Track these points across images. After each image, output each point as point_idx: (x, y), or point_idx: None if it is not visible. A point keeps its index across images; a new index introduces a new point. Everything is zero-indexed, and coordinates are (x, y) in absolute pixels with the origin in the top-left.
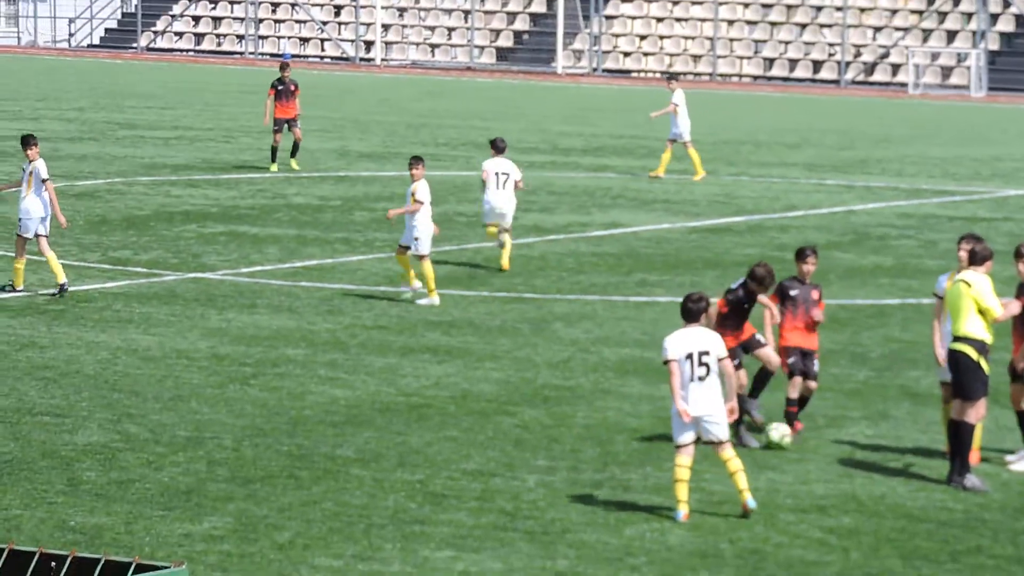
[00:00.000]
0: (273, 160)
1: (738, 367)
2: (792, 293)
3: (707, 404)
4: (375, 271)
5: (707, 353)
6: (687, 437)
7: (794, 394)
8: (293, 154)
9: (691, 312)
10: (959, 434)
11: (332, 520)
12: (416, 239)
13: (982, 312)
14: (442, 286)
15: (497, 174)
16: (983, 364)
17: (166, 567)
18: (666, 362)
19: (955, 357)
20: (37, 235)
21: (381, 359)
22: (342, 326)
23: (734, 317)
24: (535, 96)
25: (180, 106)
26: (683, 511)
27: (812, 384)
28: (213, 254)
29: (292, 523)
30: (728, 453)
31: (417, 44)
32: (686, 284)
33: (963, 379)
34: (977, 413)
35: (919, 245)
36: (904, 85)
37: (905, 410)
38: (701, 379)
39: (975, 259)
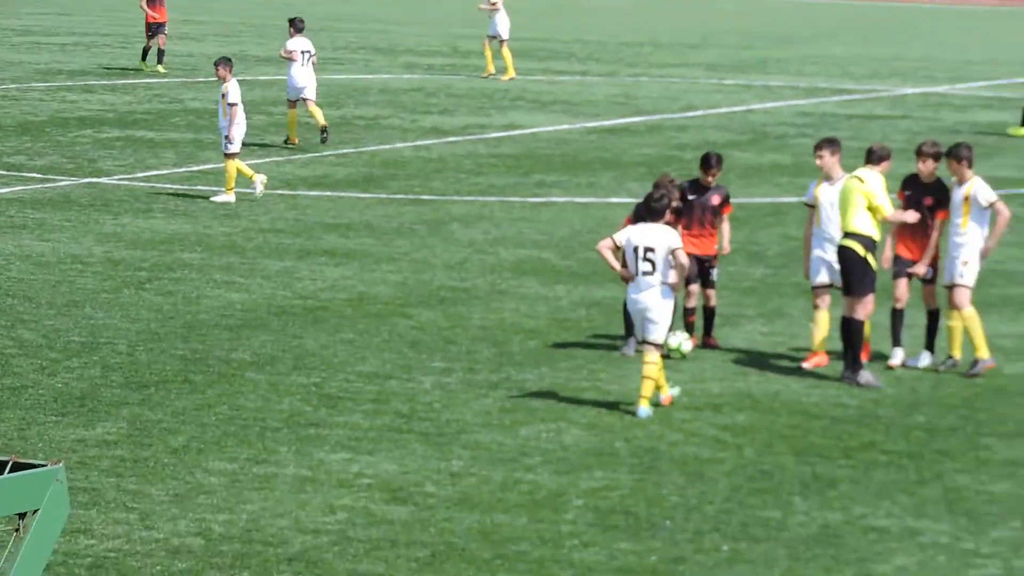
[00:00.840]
0: (143, 59)
1: None
2: (689, 197)
3: (646, 298)
4: (271, 174)
5: (652, 250)
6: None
7: (691, 303)
8: (159, 60)
9: (652, 211)
10: (850, 330)
11: (226, 424)
12: (227, 139)
13: (871, 209)
14: (340, 188)
15: (303, 52)
16: (871, 260)
17: (43, 465)
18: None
19: (843, 253)
20: None
21: (277, 262)
22: (238, 230)
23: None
24: None
25: (77, 12)
26: (643, 408)
27: (710, 292)
28: (109, 159)
29: (186, 427)
30: (650, 357)
31: None
32: (583, 184)
33: (851, 275)
34: (865, 309)
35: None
36: None
37: (800, 308)
38: (645, 274)
39: (871, 158)
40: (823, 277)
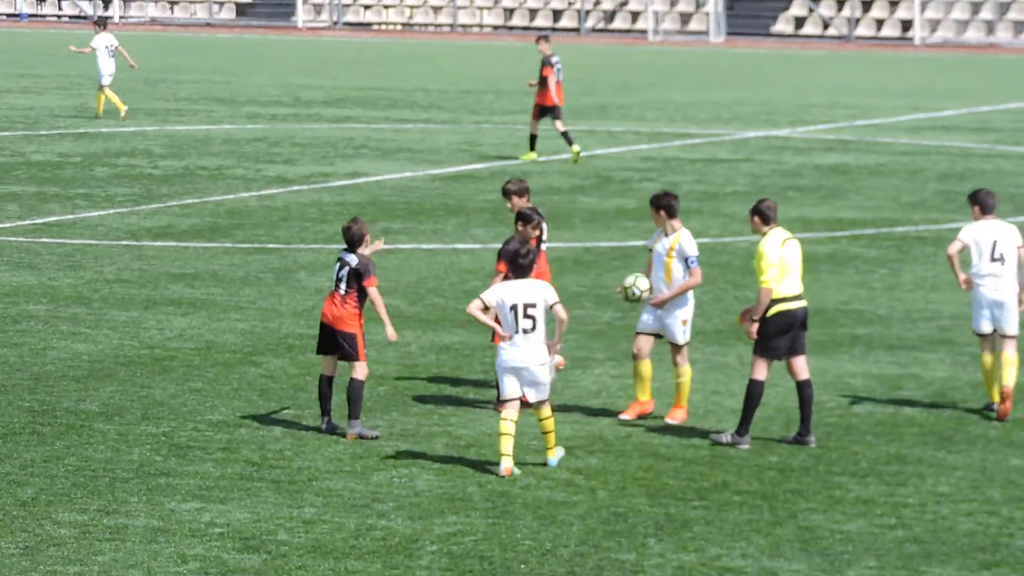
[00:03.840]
0: None
1: None
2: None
3: (531, 357)
4: (116, 226)
5: (533, 306)
6: (512, 391)
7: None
8: None
9: (522, 268)
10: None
11: (76, 475)
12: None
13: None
14: (184, 239)
15: (107, 47)
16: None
17: None
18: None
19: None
20: None
21: (124, 312)
22: (84, 281)
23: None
24: (276, 50)
25: None
26: (505, 464)
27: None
28: None
29: (35, 479)
30: (544, 412)
31: (156, 1)
32: (428, 231)
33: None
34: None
35: (661, 187)
36: (644, 32)
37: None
38: (526, 332)
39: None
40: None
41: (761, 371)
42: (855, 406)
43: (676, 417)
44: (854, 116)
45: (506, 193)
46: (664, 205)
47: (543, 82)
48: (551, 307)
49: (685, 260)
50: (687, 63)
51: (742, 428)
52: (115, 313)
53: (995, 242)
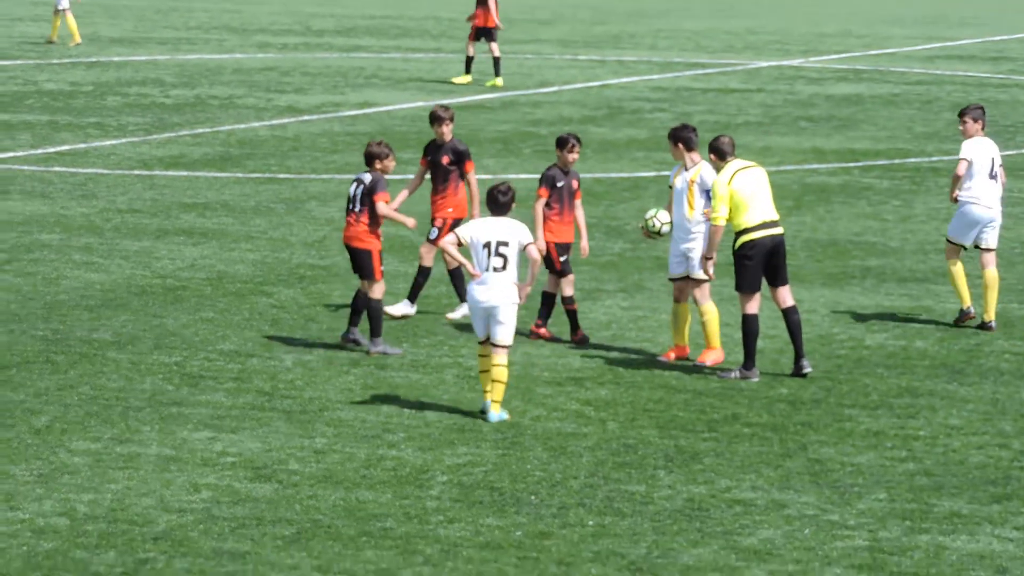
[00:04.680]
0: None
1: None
2: (559, 184)
3: (500, 296)
4: (128, 155)
5: (505, 244)
6: (479, 330)
7: (571, 291)
8: None
9: (500, 205)
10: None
11: (89, 404)
12: None
13: None
14: (196, 169)
15: None
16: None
17: None
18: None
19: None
20: None
21: (136, 242)
22: (96, 210)
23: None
24: None
25: None
26: (489, 401)
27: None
28: None
29: (49, 407)
30: (500, 359)
31: None
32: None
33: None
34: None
35: (672, 118)
36: None
37: (660, 281)
38: (496, 270)
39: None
40: None
41: (750, 305)
42: (866, 338)
43: (709, 358)
44: (868, 45)
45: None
46: (682, 138)
47: (483, 3)
48: (524, 248)
49: (707, 192)
50: None
51: (748, 362)
52: (127, 243)
53: (992, 159)
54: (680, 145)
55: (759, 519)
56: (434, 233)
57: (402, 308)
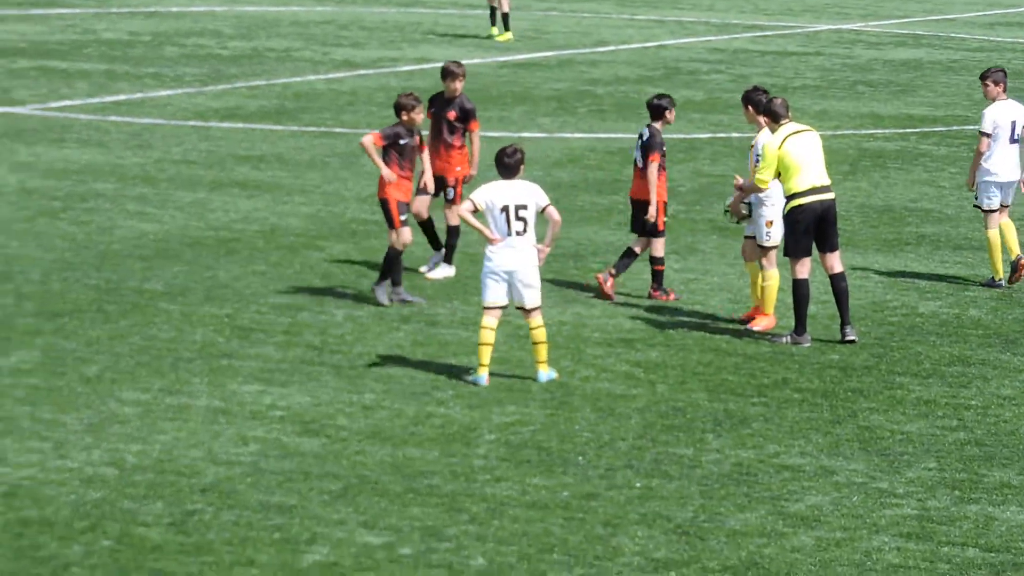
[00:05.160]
0: None
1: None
2: (664, 147)
3: (524, 260)
4: (184, 106)
5: (524, 207)
6: (497, 298)
7: (662, 252)
8: None
9: (508, 167)
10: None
11: (140, 354)
12: None
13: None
14: (252, 120)
15: None
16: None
17: None
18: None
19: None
20: None
21: (190, 194)
22: (151, 160)
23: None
24: None
25: None
26: (484, 375)
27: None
28: (22, 89)
29: (100, 357)
30: (537, 321)
31: None
32: (494, 119)
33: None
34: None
35: (730, 79)
36: None
37: (713, 244)
38: (519, 234)
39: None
40: None
41: (799, 270)
42: (919, 306)
43: (759, 324)
44: (928, 11)
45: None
46: (752, 100)
47: None
48: (543, 209)
49: (758, 156)
50: None
51: (799, 327)
52: (181, 194)
53: (1013, 123)
54: (750, 107)
55: (807, 485)
56: (451, 193)
57: (442, 271)
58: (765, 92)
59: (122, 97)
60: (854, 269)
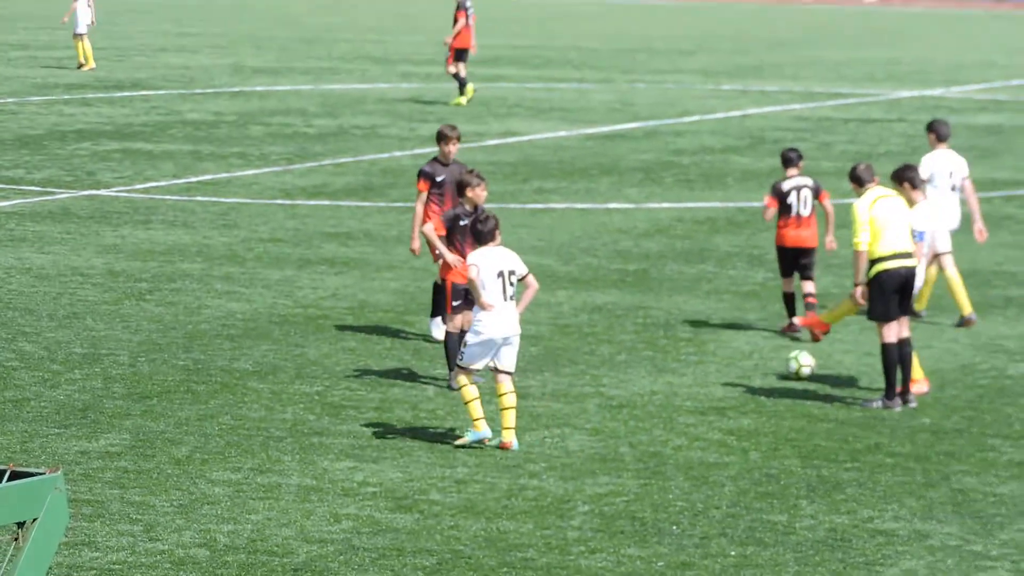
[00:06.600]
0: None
1: None
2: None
3: (511, 326)
4: (270, 185)
5: (513, 272)
6: (482, 362)
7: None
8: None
9: (483, 233)
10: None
11: (230, 434)
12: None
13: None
14: (338, 198)
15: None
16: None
17: (41, 473)
18: (472, 279)
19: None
20: None
21: (277, 272)
22: (238, 239)
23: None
24: (425, 7)
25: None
26: (485, 429)
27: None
28: (107, 171)
29: (189, 438)
30: (508, 386)
31: None
32: (581, 191)
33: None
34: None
35: (815, 147)
36: None
37: (801, 311)
38: (511, 299)
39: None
40: None
41: (887, 334)
42: (1008, 368)
43: (807, 321)
44: (1009, 76)
45: (446, 138)
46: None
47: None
48: (523, 277)
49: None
50: (840, 21)
51: (889, 392)
52: (269, 272)
53: (951, 172)
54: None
55: (901, 549)
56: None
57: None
58: (863, 165)
59: (207, 177)
60: (943, 333)
